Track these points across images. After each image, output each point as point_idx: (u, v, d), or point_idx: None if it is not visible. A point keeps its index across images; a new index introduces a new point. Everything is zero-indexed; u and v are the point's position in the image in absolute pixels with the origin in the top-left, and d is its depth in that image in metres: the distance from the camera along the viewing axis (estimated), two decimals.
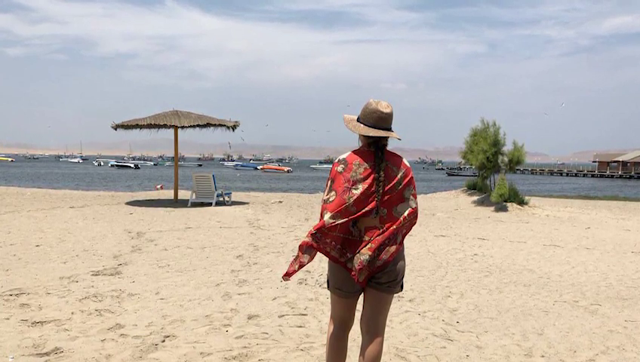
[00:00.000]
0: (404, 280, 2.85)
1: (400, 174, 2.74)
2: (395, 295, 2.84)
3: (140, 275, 5.88)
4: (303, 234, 9.08)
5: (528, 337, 4.24)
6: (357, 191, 2.65)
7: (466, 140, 17.86)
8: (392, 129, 2.79)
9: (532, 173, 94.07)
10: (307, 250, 2.68)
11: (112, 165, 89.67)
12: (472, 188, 19.38)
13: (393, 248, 2.69)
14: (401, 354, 3.78)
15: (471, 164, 18.19)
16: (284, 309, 4.75)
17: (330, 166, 2.87)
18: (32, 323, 4.15)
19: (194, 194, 14.50)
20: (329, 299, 2.93)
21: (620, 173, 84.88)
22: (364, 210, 2.65)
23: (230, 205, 14.24)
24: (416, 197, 2.81)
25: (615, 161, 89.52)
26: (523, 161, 16.28)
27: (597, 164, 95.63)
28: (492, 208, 15.06)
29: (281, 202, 15.80)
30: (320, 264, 6.52)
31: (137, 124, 14.27)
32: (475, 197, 17.45)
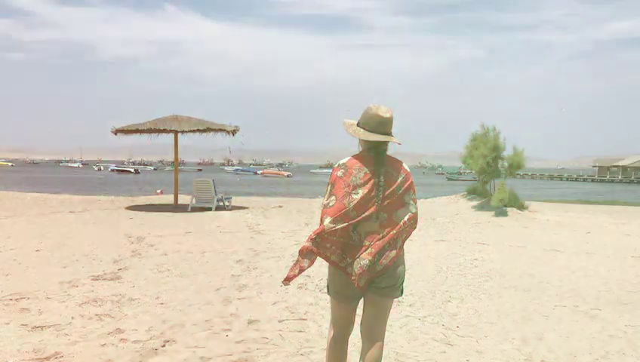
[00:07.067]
0: (404, 284, 2.85)
1: (400, 179, 2.75)
2: (395, 299, 2.84)
3: (139, 280, 5.88)
4: (303, 239, 9.08)
5: (528, 342, 4.24)
6: (357, 196, 2.66)
7: (466, 145, 17.87)
8: (392, 134, 2.80)
9: (532, 178, 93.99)
10: (307, 254, 2.68)
11: (112, 170, 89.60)
12: (472, 193, 19.38)
13: (393, 253, 2.70)
14: (401, 358, 3.78)
15: (471, 169, 18.17)
16: (284, 314, 4.75)
17: (330, 171, 2.87)
18: (32, 328, 4.15)
19: (194, 198, 14.50)
20: (329, 304, 2.93)
21: (620, 177, 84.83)
22: (364, 215, 2.65)
23: (230, 210, 14.23)
24: (416, 202, 2.82)
25: (615, 166, 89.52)
26: (523, 165, 16.27)
27: (597, 168, 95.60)
28: (492, 213, 15.04)
29: (281, 207, 15.78)
30: (320, 268, 6.49)
31: (137, 129, 14.26)
32: (475, 202, 17.42)
